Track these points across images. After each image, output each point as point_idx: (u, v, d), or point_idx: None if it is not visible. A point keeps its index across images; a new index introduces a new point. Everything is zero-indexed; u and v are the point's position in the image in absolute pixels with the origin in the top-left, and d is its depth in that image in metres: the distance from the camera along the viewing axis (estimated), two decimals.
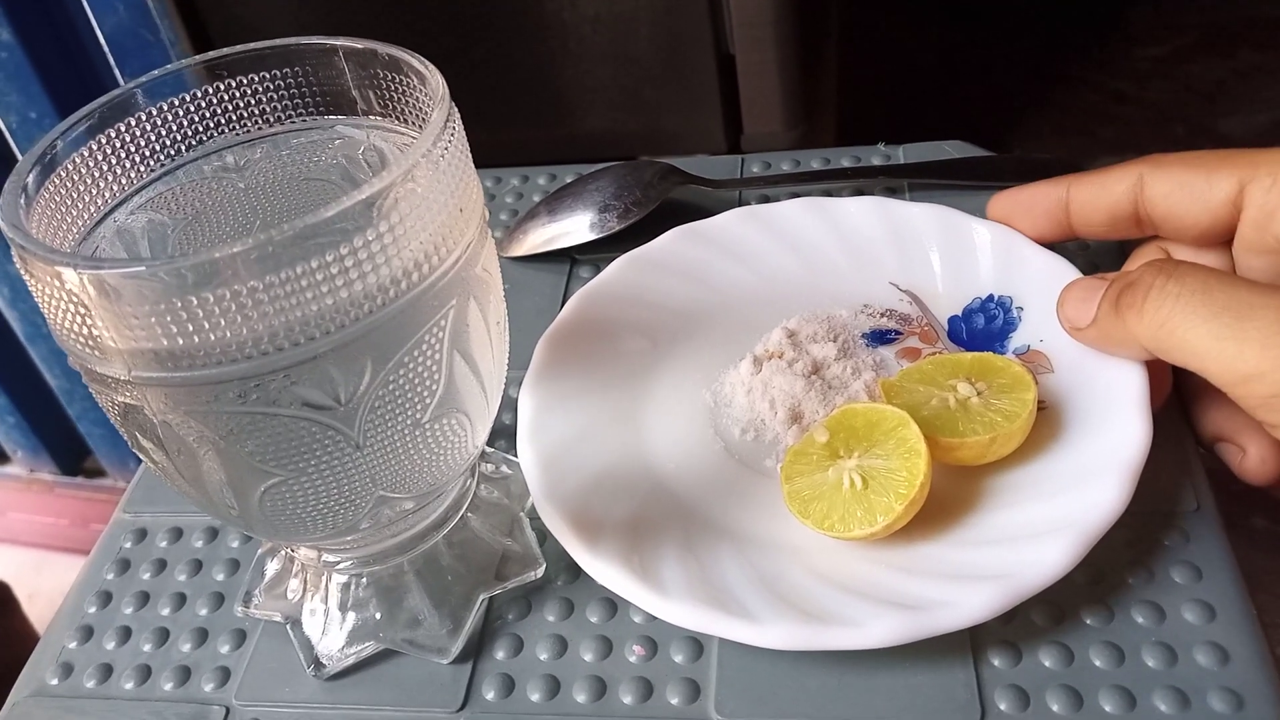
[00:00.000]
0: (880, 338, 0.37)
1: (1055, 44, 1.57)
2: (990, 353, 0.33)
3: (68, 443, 1.09)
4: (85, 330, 0.23)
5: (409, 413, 0.25)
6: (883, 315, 0.38)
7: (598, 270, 0.40)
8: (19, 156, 0.86)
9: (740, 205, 0.44)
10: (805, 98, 0.80)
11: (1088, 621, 0.29)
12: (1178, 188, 0.33)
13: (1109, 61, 1.53)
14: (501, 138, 0.81)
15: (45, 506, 1.10)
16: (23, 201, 0.25)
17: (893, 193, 0.44)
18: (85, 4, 0.76)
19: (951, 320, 0.37)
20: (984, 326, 0.36)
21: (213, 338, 0.22)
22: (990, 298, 0.37)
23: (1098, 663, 0.28)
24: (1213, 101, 1.44)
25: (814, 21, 0.84)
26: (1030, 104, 1.48)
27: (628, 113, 0.79)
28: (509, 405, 0.37)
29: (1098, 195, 0.34)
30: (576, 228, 0.44)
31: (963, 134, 0.47)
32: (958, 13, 1.64)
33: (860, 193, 0.44)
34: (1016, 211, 0.37)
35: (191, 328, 0.22)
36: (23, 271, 0.24)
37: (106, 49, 0.77)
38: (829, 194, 0.44)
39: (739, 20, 0.73)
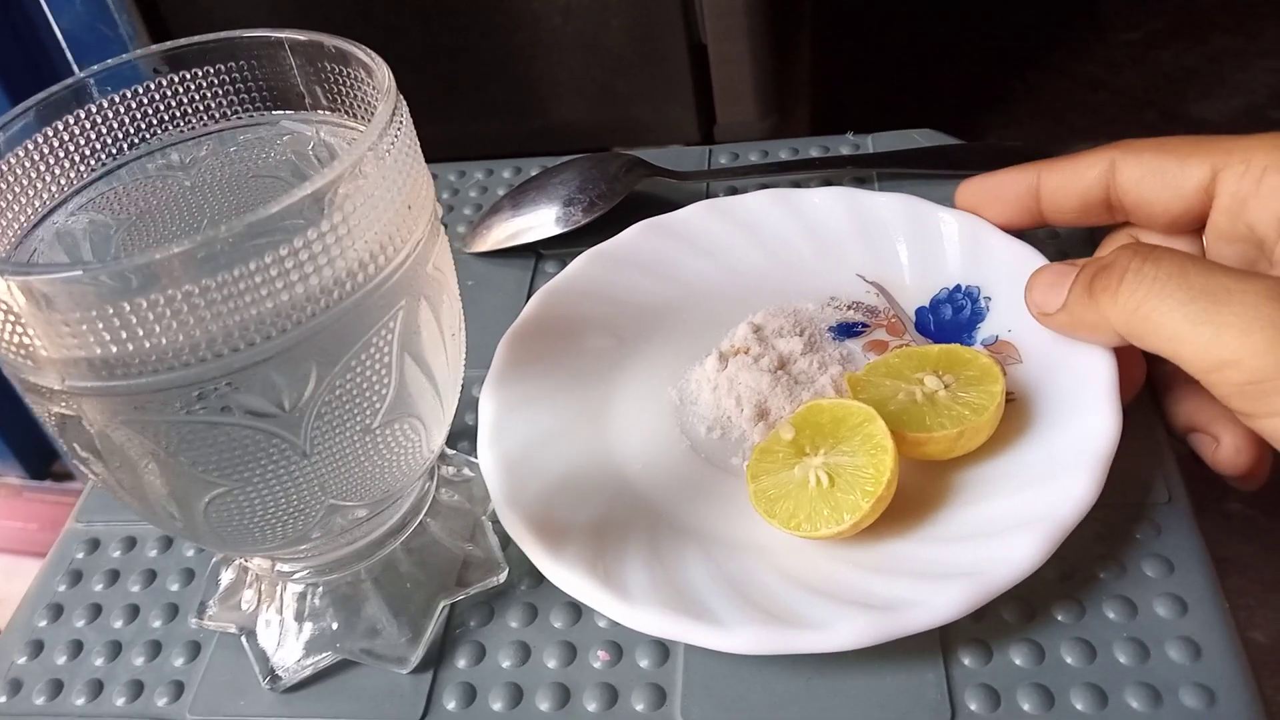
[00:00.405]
0: (847, 331, 0.36)
1: (1028, 31, 1.57)
2: (958, 344, 0.33)
3: (35, 447, 1.08)
4: (16, 339, 0.22)
5: (358, 419, 0.24)
6: (849, 308, 0.37)
7: (564, 265, 0.39)
8: None
9: (708, 197, 0.43)
10: (778, 87, 0.79)
11: (1059, 618, 0.28)
12: (1150, 173, 0.32)
13: (1081, 47, 1.53)
14: (472, 130, 0.80)
15: (13, 511, 1.08)
16: None
17: (862, 182, 0.43)
18: None
19: (919, 311, 0.36)
20: (952, 317, 0.36)
21: (148, 344, 0.21)
22: (958, 288, 0.36)
23: (1069, 660, 0.28)
24: (1186, 86, 1.44)
25: (786, 10, 0.83)
26: (1004, 91, 1.48)
27: (600, 104, 0.78)
28: (471, 405, 0.36)
29: (1069, 181, 0.34)
30: (541, 222, 0.43)
31: (937, 121, 0.47)
32: (932, 1, 1.64)
33: (829, 183, 0.43)
34: (985, 199, 0.36)
35: (125, 335, 0.21)
36: None
37: (64, 44, 0.76)
38: (798, 185, 0.43)
39: (711, 10, 0.72)
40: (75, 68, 0.76)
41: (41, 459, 1.09)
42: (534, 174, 0.46)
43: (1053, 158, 0.35)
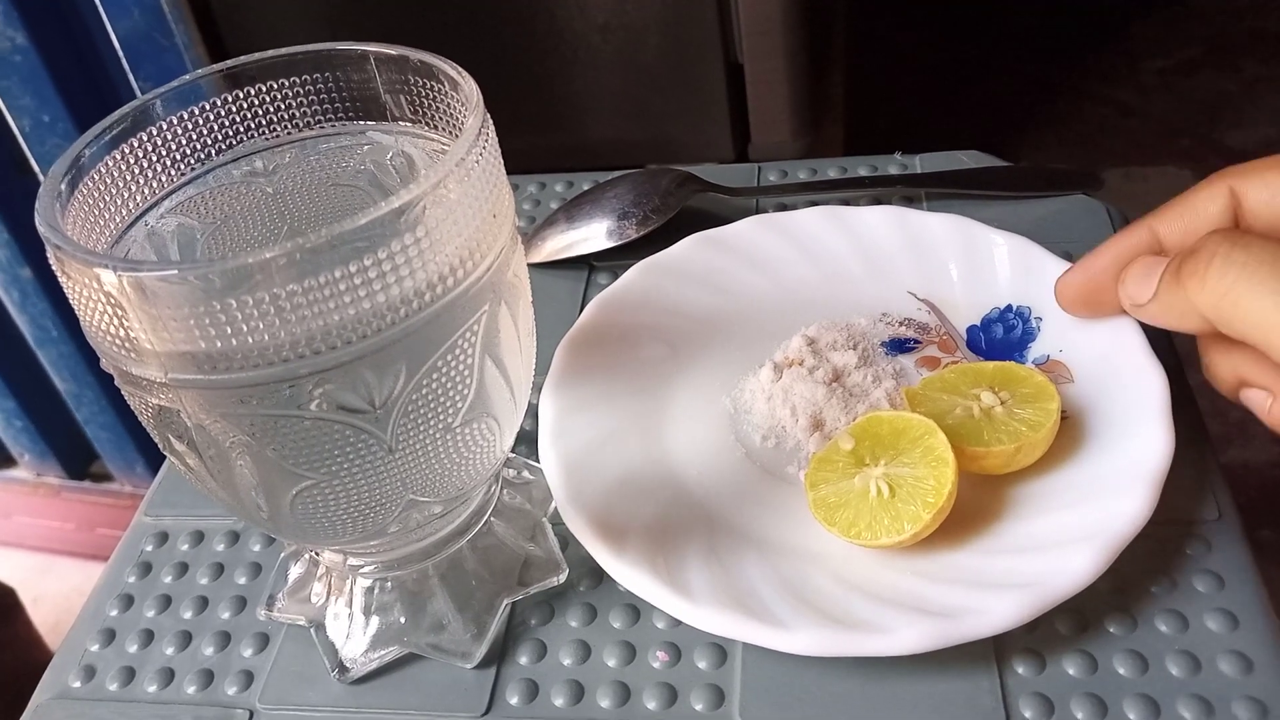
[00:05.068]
0: (899, 346, 0.37)
1: (1060, 56, 1.58)
2: (1012, 362, 0.34)
3: (75, 447, 1.09)
4: (122, 332, 0.23)
5: (441, 417, 0.25)
6: (901, 324, 0.38)
7: (615, 277, 0.40)
8: (32, 159, 0.86)
9: (757, 213, 0.44)
10: (813, 107, 0.80)
11: (1111, 630, 0.29)
12: None
13: (1113, 74, 1.53)
14: (508, 145, 0.81)
15: (51, 510, 1.10)
16: (58, 206, 0.25)
17: (909, 202, 0.44)
18: (99, 7, 0.77)
19: (970, 329, 0.37)
20: (1003, 336, 0.36)
21: (250, 341, 0.22)
22: (1009, 308, 0.37)
23: (1121, 671, 0.28)
24: (1218, 114, 1.44)
25: (822, 31, 0.84)
26: (1035, 115, 1.48)
27: (636, 121, 0.79)
28: (529, 411, 0.37)
29: (1192, 224, 0.31)
30: (594, 235, 0.44)
31: (967, 145, 0.47)
32: (963, 24, 1.65)
33: (877, 202, 0.44)
34: (1103, 282, 0.33)
35: (230, 330, 0.22)
36: (59, 274, 0.24)
37: (120, 52, 0.78)
38: (846, 203, 0.44)
39: (748, 29, 0.73)
40: (130, 75, 0.77)
41: (81, 459, 1.10)
42: (587, 188, 0.47)
43: (1154, 212, 0.32)
